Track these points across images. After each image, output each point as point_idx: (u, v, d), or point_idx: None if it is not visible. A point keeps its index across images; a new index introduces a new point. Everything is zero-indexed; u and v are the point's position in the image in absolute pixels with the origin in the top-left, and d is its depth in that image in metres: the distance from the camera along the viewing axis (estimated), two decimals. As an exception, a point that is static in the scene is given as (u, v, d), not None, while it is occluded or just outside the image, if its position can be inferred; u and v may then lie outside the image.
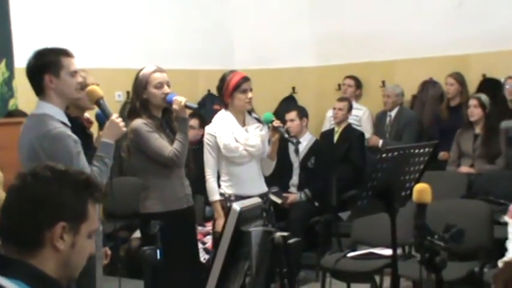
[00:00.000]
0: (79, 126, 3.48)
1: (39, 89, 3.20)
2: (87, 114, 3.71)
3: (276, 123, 4.38)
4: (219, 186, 4.46)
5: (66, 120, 3.21)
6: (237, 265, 2.36)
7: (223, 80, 4.44)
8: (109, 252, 3.80)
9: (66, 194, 1.75)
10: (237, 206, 2.29)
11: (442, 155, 6.44)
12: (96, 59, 6.52)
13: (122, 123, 3.34)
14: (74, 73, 3.20)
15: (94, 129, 3.80)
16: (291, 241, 2.32)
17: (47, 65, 3.16)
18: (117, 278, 3.92)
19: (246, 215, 2.33)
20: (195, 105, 4.17)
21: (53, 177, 1.76)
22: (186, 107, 3.96)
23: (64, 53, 3.20)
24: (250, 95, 4.42)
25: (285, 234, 2.32)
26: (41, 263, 1.72)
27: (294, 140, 5.85)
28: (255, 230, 2.31)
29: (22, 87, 5.23)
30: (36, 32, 6.06)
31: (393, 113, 7.27)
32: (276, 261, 2.34)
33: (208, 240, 5.51)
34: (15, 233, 1.73)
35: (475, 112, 6.13)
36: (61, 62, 3.16)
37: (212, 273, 2.27)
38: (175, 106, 3.94)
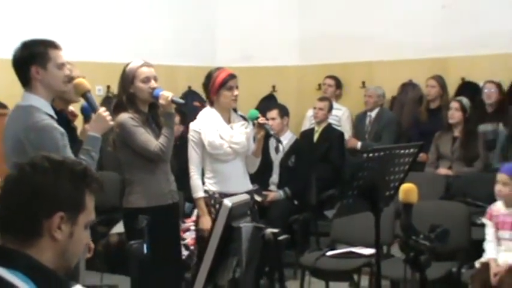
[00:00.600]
0: (64, 119, 3.46)
1: (25, 80, 3.17)
2: (71, 107, 3.68)
3: (262, 120, 4.39)
4: (203, 183, 4.45)
5: (52, 112, 3.18)
6: (226, 261, 2.37)
7: (209, 77, 4.42)
8: (92, 246, 3.78)
9: (63, 185, 1.75)
10: (228, 202, 2.30)
11: (420, 156, 6.47)
12: (76, 52, 6.43)
13: (109, 117, 3.33)
14: (61, 65, 3.17)
15: (78, 122, 3.78)
16: (281, 238, 2.33)
17: (34, 56, 3.13)
18: (97, 272, 3.90)
19: (236, 211, 2.34)
20: (182, 101, 4.16)
21: (50, 167, 1.75)
22: (173, 102, 3.95)
23: (52, 45, 3.18)
24: (236, 92, 4.41)
25: (276, 230, 2.33)
26: (38, 253, 1.72)
27: (275, 137, 5.87)
28: (246, 226, 2.32)
29: (2, 79, 5.17)
30: (16, 23, 6.01)
31: (373, 114, 7.32)
32: (265, 258, 2.35)
33: (188, 236, 5.51)
34: (13, 223, 1.73)
35: (455, 115, 6.20)
36: (48, 54, 3.14)
37: (202, 268, 2.28)
38: (161, 101, 3.93)
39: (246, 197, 2.65)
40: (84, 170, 1.80)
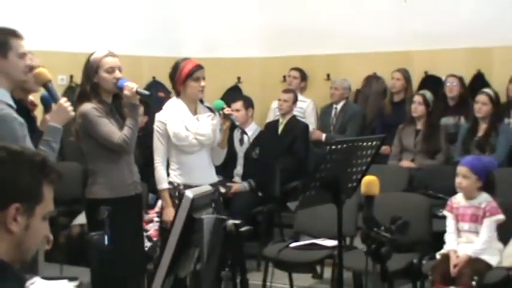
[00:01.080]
0: (23, 109, 3.40)
1: None
2: (31, 97, 3.63)
3: (227, 110, 4.37)
4: (168, 174, 4.42)
5: (11, 102, 3.12)
6: (188, 252, 2.36)
7: (176, 67, 4.39)
8: (51, 237, 3.73)
9: (21, 175, 1.71)
10: (190, 193, 2.29)
11: (384, 149, 6.52)
12: (39, 41, 6.34)
13: (70, 108, 3.28)
14: (22, 55, 3.12)
15: (38, 112, 3.72)
16: (243, 229, 2.33)
17: None
18: (55, 264, 3.86)
19: (198, 202, 2.33)
20: (147, 92, 4.11)
21: (8, 157, 1.72)
22: (138, 93, 3.91)
23: (13, 33, 3.12)
24: (203, 83, 4.39)
25: (237, 222, 2.33)
26: None
27: (239, 129, 5.86)
28: (208, 217, 2.32)
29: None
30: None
31: (339, 106, 7.36)
32: (227, 249, 2.35)
33: (151, 228, 5.48)
34: None
35: (418, 109, 6.27)
36: (9, 43, 3.08)
37: (163, 260, 2.27)
38: (126, 92, 3.89)
39: (208, 188, 2.65)
40: (43, 161, 1.77)
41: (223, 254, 2.37)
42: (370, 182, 2.83)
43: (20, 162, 1.73)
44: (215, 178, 4.53)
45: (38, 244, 1.80)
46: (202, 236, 2.29)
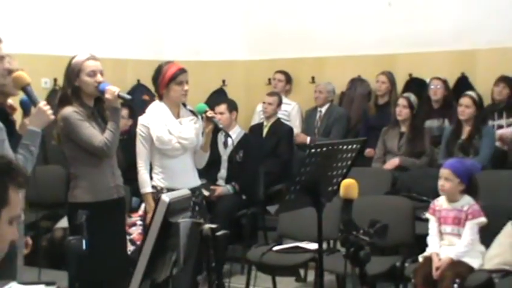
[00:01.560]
0: (2, 113, 3.38)
1: None
2: (10, 101, 3.60)
3: (210, 113, 4.36)
4: (151, 178, 4.41)
5: None
6: (164, 256, 2.35)
7: (159, 71, 4.38)
8: (30, 241, 3.71)
9: None
10: (166, 197, 2.28)
11: (368, 152, 6.56)
12: (21, 44, 6.32)
13: (49, 111, 3.26)
14: (1, 58, 3.09)
15: (17, 116, 3.69)
16: (219, 233, 2.32)
17: None
18: (37, 268, 3.83)
19: (175, 206, 2.32)
20: (129, 96, 4.10)
21: None
22: (119, 97, 3.90)
23: None
24: (186, 87, 4.38)
25: (214, 226, 2.32)
26: None
27: (223, 132, 5.85)
28: (184, 221, 2.31)
29: None
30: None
31: (323, 109, 7.37)
32: (203, 253, 2.33)
33: (134, 231, 5.45)
34: None
35: (403, 112, 6.27)
36: None
37: (139, 264, 2.26)
38: (108, 96, 3.87)
39: (186, 192, 2.63)
40: (8, 164, 1.76)
41: (200, 258, 2.36)
42: (348, 185, 2.82)
43: None
44: (198, 182, 4.52)
45: (5, 248, 1.79)
46: (179, 241, 2.28)
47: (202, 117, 4.40)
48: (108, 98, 3.88)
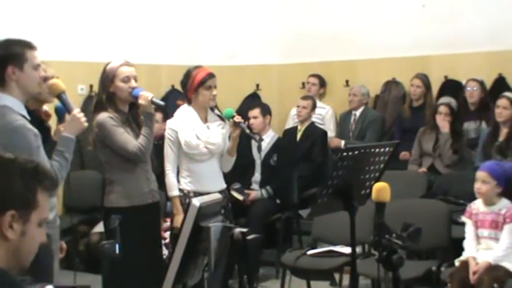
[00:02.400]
0: (37, 119, 3.44)
1: (0, 79, 3.14)
2: (45, 107, 3.66)
3: (237, 118, 4.36)
4: (179, 181, 4.43)
5: (25, 113, 3.16)
6: (195, 260, 2.36)
7: (188, 75, 4.41)
8: (64, 246, 3.76)
9: (14, 183, 1.74)
10: (196, 202, 2.29)
11: (403, 155, 6.51)
12: (58, 51, 6.44)
13: (83, 118, 3.30)
14: (37, 66, 3.15)
15: (53, 122, 3.75)
16: (249, 237, 2.32)
17: (11, 56, 3.11)
18: (72, 271, 3.89)
19: (205, 210, 2.33)
20: (162, 103, 4.12)
21: (1, 166, 1.75)
22: (153, 103, 3.93)
23: (28, 45, 3.15)
24: (214, 91, 4.39)
25: (244, 230, 2.32)
26: None
27: (257, 137, 5.84)
28: (215, 225, 2.31)
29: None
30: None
31: (358, 113, 7.33)
32: (234, 257, 2.34)
33: (169, 236, 5.49)
34: None
35: (446, 119, 6.18)
36: (25, 55, 3.12)
37: (170, 268, 2.27)
38: (141, 101, 3.91)
39: (217, 196, 2.64)
40: (36, 168, 1.80)
41: (231, 262, 2.36)
42: (380, 189, 2.80)
43: (13, 170, 1.76)
44: (223, 185, 4.53)
45: (35, 250, 1.82)
46: (210, 245, 2.28)
47: (229, 122, 4.40)
48: (141, 103, 3.92)
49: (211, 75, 4.38)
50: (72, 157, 3.29)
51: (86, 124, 3.33)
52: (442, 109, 6.24)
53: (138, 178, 4.02)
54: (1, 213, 1.72)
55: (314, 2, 7.95)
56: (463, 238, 4.55)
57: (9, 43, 3.16)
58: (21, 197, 1.75)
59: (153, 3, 7.74)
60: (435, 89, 7.13)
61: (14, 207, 1.73)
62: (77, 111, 3.30)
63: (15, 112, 3.09)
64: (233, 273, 2.34)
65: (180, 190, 4.40)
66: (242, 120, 4.43)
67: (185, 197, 4.34)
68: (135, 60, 4.18)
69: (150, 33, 7.59)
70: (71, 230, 5.16)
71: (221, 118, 4.48)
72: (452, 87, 7.03)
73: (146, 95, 3.91)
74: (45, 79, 3.36)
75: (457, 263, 4.51)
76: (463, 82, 6.83)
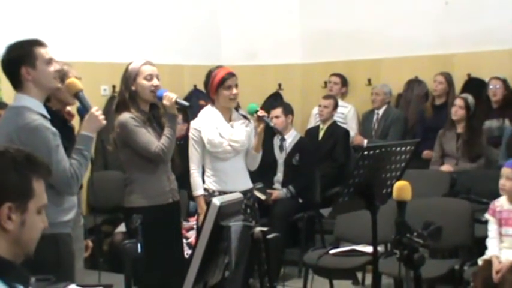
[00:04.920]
0: (60, 119, 3.47)
1: (17, 82, 3.17)
2: (68, 108, 3.69)
3: (260, 112, 4.34)
4: (204, 181, 4.45)
5: (45, 112, 3.18)
6: (216, 259, 2.37)
7: (208, 76, 4.41)
8: (90, 244, 3.79)
9: (6, 175, 1.76)
10: (216, 201, 2.30)
11: (425, 153, 6.48)
12: (81, 52, 6.50)
13: (101, 116, 3.31)
14: (49, 61, 3.17)
15: (75, 122, 3.78)
16: (270, 236, 2.33)
17: (21, 57, 3.13)
18: (97, 271, 3.92)
19: (226, 209, 2.34)
20: (186, 103, 4.12)
21: None
22: (177, 103, 3.94)
23: (36, 43, 3.17)
24: (235, 91, 4.37)
25: (265, 229, 2.33)
26: None
27: (280, 137, 5.87)
28: (235, 224, 2.32)
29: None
30: (21, 24, 6.02)
31: (380, 112, 7.31)
32: (255, 256, 2.35)
33: (192, 235, 5.52)
34: None
35: (459, 112, 6.18)
36: (35, 53, 3.14)
37: (191, 267, 2.28)
38: (165, 102, 3.91)
39: (238, 195, 2.65)
40: (27, 156, 1.81)
41: (252, 262, 2.37)
42: (401, 188, 2.79)
43: (4, 162, 1.77)
44: (249, 184, 4.53)
45: (37, 236, 1.84)
46: (230, 244, 2.29)
47: (253, 117, 4.39)
48: (166, 104, 3.92)
49: (230, 75, 4.38)
50: (90, 155, 3.31)
51: (104, 122, 3.33)
52: (457, 101, 6.23)
53: (159, 178, 4.03)
54: None
55: (336, 1, 7.93)
56: (486, 237, 4.52)
57: (17, 45, 3.19)
58: (17, 188, 1.76)
59: (175, 4, 7.77)
60: (458, 87, 7.08)
61: (10, 199, 1.75)
62: (94, 109, 3.31)
63: (34, 112, 3.12)
64: (254, 272, 2.34)
65: (205, 190, 4.41)
66: (266, 114, 4.39)
67: (210, 197, 4.33)
68: (157, 60, 4.20)
69: (172, 34, 7.63)
70: (94, 229, 5.20)
71: (245, 117, 4.48)
72: (475, 85, 6.98)
73: (170, 96, 3.92)
74: (63, 75, 3.38)
75: (480, 262, 4.48)
76: (486, 80, 6.79)
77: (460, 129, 6.21)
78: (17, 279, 1.73)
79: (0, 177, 1.75)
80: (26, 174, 1.78)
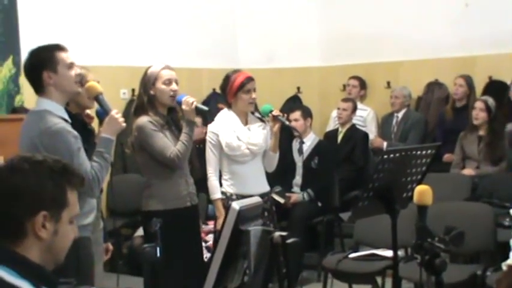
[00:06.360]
0: (80, 122, 3.49)
1: (39, 86, 3.20)
2: (87, 111, 3.71)
3: (275, 112, 4.34)
4: (221, 185, 4.44)
5: (66, 116, 3.21)
6: (235, 264, 2.36)
7: (227, 80, 4.42)
8: (111, 247, 3.80)
9: (44, 184, 1.79)
10: (236, 205, 2.29)
11: (446, 157, 6.42)
12: (101, 56, 6.53)
13: (121, 119, 3.33)
14: (70, 65, 3.20)
15: (95, 125, 3.79)
16: (289, 241, 2.31)
17: (43, 62, 3.17)
18: (116, 274, 3.93)
19: (245, 214, 2.33)
20: (206, 108, 4.13)
21: (29, 168, 1.80)
22: (196, 108, 3.94)
23: (57, 47, 3.20)
24: (253, 95, 4.40)
25: (284, 234, 2.31)
26: (25, 251, 1.76)
27: (298, 139, 5.82)
28: (254, 229, 2.31)
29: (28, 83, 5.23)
30: (42, 28, 6.06)
31: (400, 115, 7.27)
32: (274, 261, 2.33)
33: (210, 238, 5.50)
34: None
35: (480, 115, 6.11)
36: (56, 57, 3.17)
37: (210, 272, 2.28)
38: (184, 107, 3.92)
39: (257, 200, 2.64)
40: (64, 167, 1.84)
41: (271, 266, 2.36)
42: (422, 192, 2.75)
43: (42, 172, 1.80)
44: (267, 188, 4.52)
45: (68, 246, 1.87)
46: (250, 248, 2.28)
47: (268, 117, 4.38)
48: (185, 109, 3.93)
49: (250, 79, 4.38)
50: (111, 158, 3.32)
51: (124, 124, 3.35)
52: (477, 104, 6.17)
53: (177, 181, 4.03)
54: (34, 214, 1.77)
55: (355, 3, 7.90)
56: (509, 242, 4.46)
57: (39, 50, 3.22)
58: (52, 197, 1.80)
59: (193, 8, 7.78)
60: (479, 90, 7.02)
61: (45, 207, 1.78)
62: (114, 112, 3.33)
63: (55, 115, 3.15)
64: (273, 277, 2.32)
65: (223, 193, 4.41)
66: (281, 114, 4.39)
67: (227, 200, 4.34)
68: (176, 64, 4.21)
69: (190, 38, 7.64)
70: (114, 233, 5.21)
71: (262, 120, 4.48)
72: (497, 88, 6.91)
73: (189, 101, 3.93)
74: (82, 78, 3.40)
75: (503, 267, 4.42)
76: (508, 82, 6.72)
77: (481, 131, 6.15)
78: (45, 283, 1.76)
79: (38, 186, 1.78)
80: (61, 184, 1.82)
